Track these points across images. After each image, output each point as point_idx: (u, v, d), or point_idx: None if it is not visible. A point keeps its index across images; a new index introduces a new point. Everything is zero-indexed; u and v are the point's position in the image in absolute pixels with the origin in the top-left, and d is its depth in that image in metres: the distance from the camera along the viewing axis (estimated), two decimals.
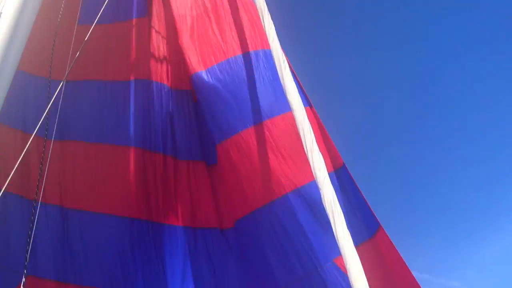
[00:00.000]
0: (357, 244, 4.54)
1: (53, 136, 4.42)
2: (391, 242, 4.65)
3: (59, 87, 3.82)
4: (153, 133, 4.97)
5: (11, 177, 3.25)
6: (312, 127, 4.75)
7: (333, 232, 3.47)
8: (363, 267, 4.50)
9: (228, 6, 5.18)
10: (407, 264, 4.61)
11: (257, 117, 4.73)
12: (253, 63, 4.89)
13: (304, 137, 3.86)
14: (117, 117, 5.00)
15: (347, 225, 4.54)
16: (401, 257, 4.62)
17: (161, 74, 5.17)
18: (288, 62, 5.04)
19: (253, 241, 4.74)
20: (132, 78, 5.14)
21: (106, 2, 4.24)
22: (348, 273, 3.43)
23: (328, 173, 4.64)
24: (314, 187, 3.98)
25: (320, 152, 3.89)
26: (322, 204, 3.43)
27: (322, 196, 3.64)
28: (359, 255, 4.50)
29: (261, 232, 4.68)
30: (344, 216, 4.53)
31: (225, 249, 4.77)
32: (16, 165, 3.24)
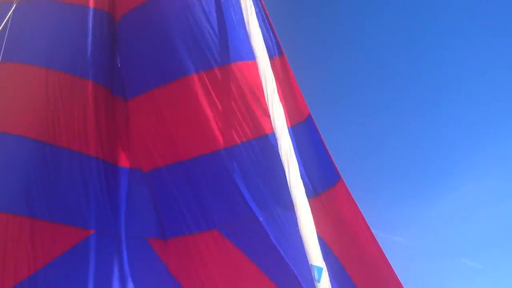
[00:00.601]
0: (315, 194, 4.74)
1: None
2: (350, 194, 4.76)
3: None
4: (72, 55, 4.77)
5: None
6: (281, 77, 4.78)
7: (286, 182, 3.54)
8: (319, 216, 4.70)
9: None
10: (364, 217, 4.79)
11: (206, 63, 4.64)
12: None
13: (266, 86, 3.83)
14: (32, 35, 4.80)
15: (306, 175, 4.70)
16: (359, 210, 4.74)
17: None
18: (264, 8, 4.93)
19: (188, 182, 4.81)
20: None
21: None
22: (298, 221, 3.55)
23: (294, 124, 4.77)
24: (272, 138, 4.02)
25: (280, 103, 3.87)
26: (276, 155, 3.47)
27: (279, 146, 3.68)
28: (316, 205, 4.68)
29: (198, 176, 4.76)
30: (303, 166, 4.67)
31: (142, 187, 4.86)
32: None
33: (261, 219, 4.62)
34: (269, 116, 3.92)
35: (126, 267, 4.63)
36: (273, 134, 3.87)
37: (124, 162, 4.90)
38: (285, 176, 3.67)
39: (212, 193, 4.76)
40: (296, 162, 3.64)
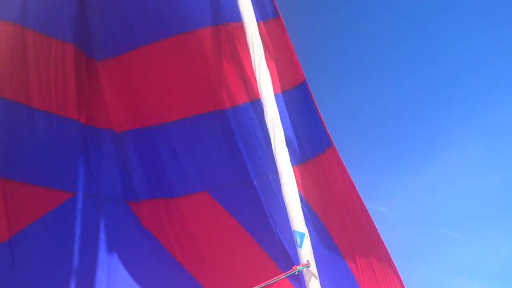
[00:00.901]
0: (304, 160, 4.78)
1: None
2: (341, 161, 4.74)
3: None
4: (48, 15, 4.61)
5: None
6: (275, 41, 4.70)
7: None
8: (308, 182, 4.75)
9: None
10: (355, 185, 4.84)
11: (190, 25, 4.56)
12: None
13: (254, 52, 3.78)
14: None
15: (296, 141, 4.72)
16: (349, 177, 4.79)
17: None
18: None
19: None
20: None
21: None
22: (282, 187, 3.58)
23: (288, 89, 4.75)
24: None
25: (268, 69, 3.83)
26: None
27: (265, 113, 3.67)
28: (305, 171, 4.73)
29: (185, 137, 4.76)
30: (294, 131, 4.69)
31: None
32: None
33: (255, 183, 4.67)
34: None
35: (106, 230, 4.66)
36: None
37: (104, 123, 4.84)
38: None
39: (203, 155, 4.78)
40: (282, 129, 3.63)
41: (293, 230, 3.50)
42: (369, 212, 4.80)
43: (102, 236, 4.66)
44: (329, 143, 4.81)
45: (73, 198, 4.60)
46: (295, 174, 4.63)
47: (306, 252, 3.43)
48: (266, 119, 3.60)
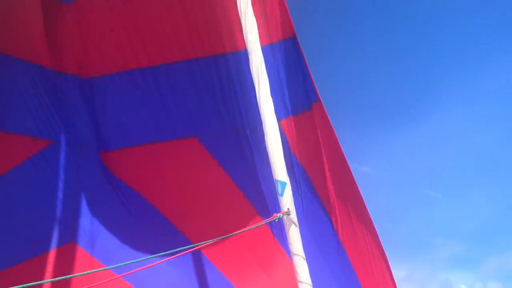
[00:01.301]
0: (292, 114, 4.77)
1: None
2: (327, 116, 4.78)
3: None
4: None
5: None
6: None
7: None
8: (294, 135, 4.76)
9: None
10: (338, 141, 4.88)
11: None
12: None
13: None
14: None
15: (283, 94, 4.69)
16: (334, 133, 4.84)
17: None
18: None
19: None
20: None
21: None
22: (265, 137, 3.58)
23: (278, 40, 4.66)
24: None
25: (254, 17, 3.73)
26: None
27: (250, 61, 3.60)
28: (292, 124, 4.73)
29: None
30: (281, 84, 4.65)
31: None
32: None
33: (248, 132, 4.65)
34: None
35: (85, 179, 4.64)
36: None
37: (77, 69, 4.71)
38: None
39: (194, 102, 4.72)
40: (267, 78, 3.58)
41: (275, 179, 3.53)
42: (352, 171, 4.91)
43: (82, 184, 4.65)
44: (316, 98, 4.80)
45: (51, 146, 4.55)
46: (284, 127, 4.69)
47: (287, 200, 3.48)
48: (251, 66, 3.54)
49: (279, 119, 4.77)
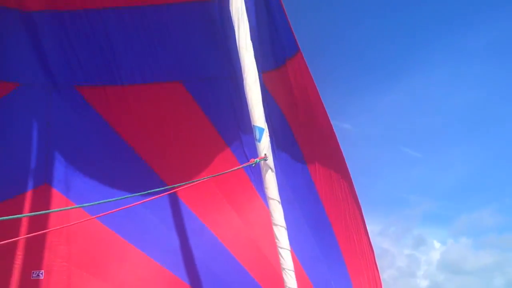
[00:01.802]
0: (273, 67, 4.72)
1: None
2: (307, 67, 4.74)
3: None
4: None
5: None
6: None
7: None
8: (276, 85, 4.73)
9: None
10: (319, 93, 4.88)
11: None
12: None
13: None
14: None
15: (263, 46, 4.61)
16: (315, 85, 4.83)
17: None
18: None
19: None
20: None
21: None
22: (244, 82, 3.55)
23: None
24: None
25: None
26: None
27: (230, 3, 3.51)
28: (276, 76, 4.69)
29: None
30: (260, 36, 4.55)
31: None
32: None
33: (232, 78, 4.56)
34: None
35: (57, 118, 4.53)
36: None
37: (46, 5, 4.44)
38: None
39: (180, 45, 4.58)
40: (247, 22, 3.51)
41: (253, 125, 3.53)
42: (333, 127, 4.96)
43: (53, 124, 4.54)
44: (297, 49, 4.75)
45: (20, 88, 4.41)
46: (266, 77, 4.64)
47: (264, 146, 3.51)
48: (231, 8, 3.45)
49: (260, 71, 4.72)
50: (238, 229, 4.82)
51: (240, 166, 3.63)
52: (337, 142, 4.97)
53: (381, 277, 5.08)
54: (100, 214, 3.84)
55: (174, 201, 4.66)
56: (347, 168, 5.01)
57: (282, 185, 4.59)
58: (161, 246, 4.69)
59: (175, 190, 3.82)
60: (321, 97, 4.86)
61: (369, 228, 5.08)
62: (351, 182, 5.01)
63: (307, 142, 4.98)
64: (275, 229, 3.52)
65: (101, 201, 2.94)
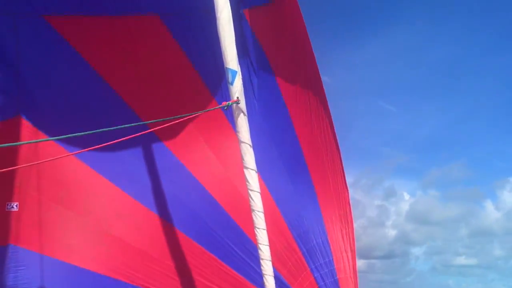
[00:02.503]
0: (262, 3, 4.45)
1: None
2: (298, 8, 4.46)
3: None
4: None
5: None
6: None
7: None
8: (263, 23, 4.50)
9: None
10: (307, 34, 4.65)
11: None
12: None
13: None
14: None
15: None
16: (303, 23, 4.57)
17: None
18: None
19: None
20: None
21: None
22: (217, 21, 3.38)
23: None
24: None
25: None
26: None
27: None
28: (261, 12, 4.44)
29: None
30: None
31: None
32: None
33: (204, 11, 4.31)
34: None
35: (25, 49, 4.33)
36: None
37: None
38: None
39: None
40: None
41: (226, 67, 3.42)
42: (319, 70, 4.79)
43: (25, 55, 4.35)
44: None
45: None
46: (252, 14, 4.39)
47: (236, 89, 3.43)
48: None
49: (247, 6, 4.46)
50: (215, 167, 4.86)
51: (213, 108, 3.55)
52: (321, 85, 4.83)
53: (352, 214, 5.26)
54: (76, 152, 3.80)
55: (149, 137, 4.60)
56: (329, 112, 4.94)
57: (260, 125, 4.58)
58: (135, 181, 4.75)
59: (152, 130, 3.74)
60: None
61: None
62: (332, 124, 4.97)
63: (290, 83, 4.86)
64: (246, 172, 3.56)
65: (73, 135, 2.88)
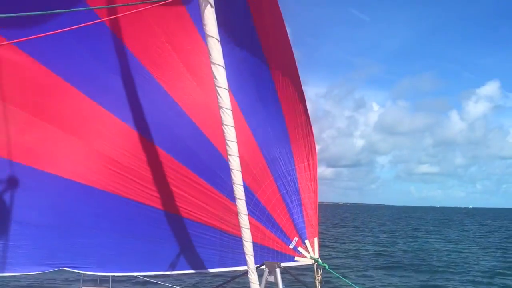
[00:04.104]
0: None
1: None
2: None
3: None
4: None
5: None
6: None
7: None
8: None
9: None
10: None
11: None
12: None
13: None
14: None
15: None
16: None
17: None
18: None
19: None
20: None
21: None
22: None
23: None
24: None
25: None
26: None
27: None
28: None
29: None
30: None
31: None
32: None
33: None
34: None
35: None
36: None
37: None
38: None
39: None
40: None
41: None
42: None
43: None
44: None
45: None
46: None
47: None
48: None
49: None
50: (191, 87, 4.74)
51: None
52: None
53: (312, 127, 5.39)
54: (17, 40, 3.53)
55: (111, 38, 4.31)
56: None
57: (226, 25, 4.43)
58: (101, 88, 4.55)
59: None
60: None
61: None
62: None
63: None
64: (213, 68, 3.51)
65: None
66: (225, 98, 3.61)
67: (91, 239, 4.82)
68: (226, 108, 3.62)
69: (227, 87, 3.60)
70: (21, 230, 4.53)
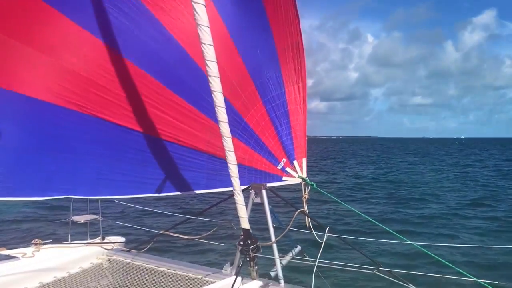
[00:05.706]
0: None
1: None
2: None
3: None
4: None
5: None
6: None
7: None
8: None
9: None
10: None
11: None
12: None
13: None
14: None
15: None
16: None
17: None
18: None
19: None
20: None
21: None
22: None
23: None
24: None
25: None
26: None
27: None
28: None
29: None
30: None
31: None
32: None
33: None
34: None
35: None
36: None
37: None
38: None
39: None
40: None
41: None
42: None
43: None
44: None
45: None
46: None
47: None
48: None
49: None
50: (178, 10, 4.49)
51: None
52: None
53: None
54: None
55: None
56: None
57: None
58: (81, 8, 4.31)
59: None
60: None
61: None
62: None
63: None
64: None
65: None
66: (202, 15, 3.41)
67: (83, 163, 4.82)
68: (204, 26, 3.43)
69: (203, 3, 3.39)
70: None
